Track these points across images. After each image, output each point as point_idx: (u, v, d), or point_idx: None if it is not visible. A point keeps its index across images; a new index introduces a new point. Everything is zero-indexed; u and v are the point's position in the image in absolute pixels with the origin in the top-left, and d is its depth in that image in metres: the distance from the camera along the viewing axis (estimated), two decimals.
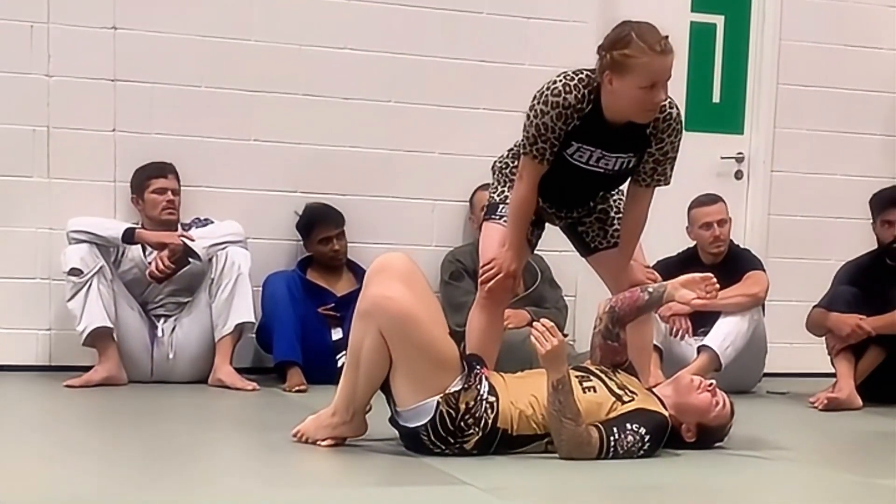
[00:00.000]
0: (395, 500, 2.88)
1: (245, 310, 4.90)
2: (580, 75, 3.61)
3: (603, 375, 3.50)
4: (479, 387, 3.29)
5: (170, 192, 5.03)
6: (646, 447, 3.37)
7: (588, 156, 3.68)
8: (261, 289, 5.10)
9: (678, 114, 3.70)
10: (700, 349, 5.05)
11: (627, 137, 3.66)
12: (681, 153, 3.79)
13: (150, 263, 4.92)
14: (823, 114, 6.14)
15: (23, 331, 5.13)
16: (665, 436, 3.44)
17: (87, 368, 4.81)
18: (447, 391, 3.24)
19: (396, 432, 3.37)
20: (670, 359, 5.11)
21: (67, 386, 4.68)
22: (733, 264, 5.22)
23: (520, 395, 3.35)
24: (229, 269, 4.88)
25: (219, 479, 3.16)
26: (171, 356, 4.95)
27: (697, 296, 3.54)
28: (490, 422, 3.29)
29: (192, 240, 4.90)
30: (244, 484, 3.12)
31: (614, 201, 3.98)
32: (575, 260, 4.32)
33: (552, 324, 3.31)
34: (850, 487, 3.27)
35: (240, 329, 4.92)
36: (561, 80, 3.60)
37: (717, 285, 3.57)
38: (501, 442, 3.32)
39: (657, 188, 3.80)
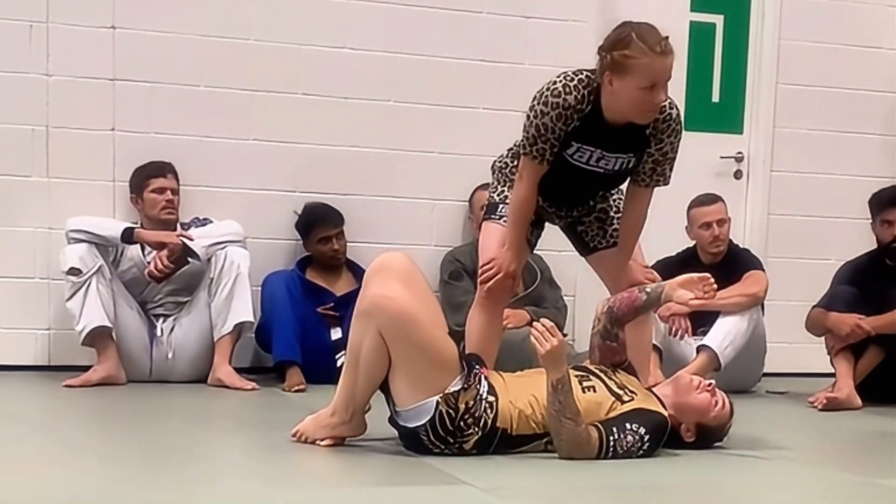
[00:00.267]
0: (395, 500, 2.88)
1: (244, 309, 4.90)
2: (580, 76, 3.61)
3: (602, 375, 3.50)
4: (478, 386, 3.29)
5: (169, 192, 5.03)
6: (645, 447, 3.37)
7: (588, 156, 3.68)
8: (260, 288, 5.10)
9: (678, 114, 3.70)
10: (699, 349, 5.05)
11: (627, 138, 3.66)
12: (680, 153, 3.79)
13: (149, 263, 4.91)
14: (823, 113, 6.14)
15: (22, 330, 5.12)
16: (664, 435, 3.44)
17: (86, 368, 4.81)
18: (446, 391, 3.24)
19: (396, 432, 3.37)
20: (670, 358, 5.11)
21: (66, 385, 4.67)
22: (733, 264, 5.22)
23: (519, 395, 3.35)
24: (228, 268, 4.88)
25: (218, 479, 3.16)
26: (170, 356, 4.95)
27: (695, 296, 3.54)
28: (489, 421, 3.29)
29: (192, 239, 4.90)
30: (243, 484, 3.12)
31: (614, 201, 3.98)
32: (574, 260, 4.32)
33: (552, 323, 3.31)
34: (850, 487, 3.27)
35: (239, 329, 4.92)
36: (561, 81, 3.60)
37: (715, 285, 3.57)
38: (501, 441, 3.32)
39: (656, 188, 3.80)
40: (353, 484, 3.11)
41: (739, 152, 6.11)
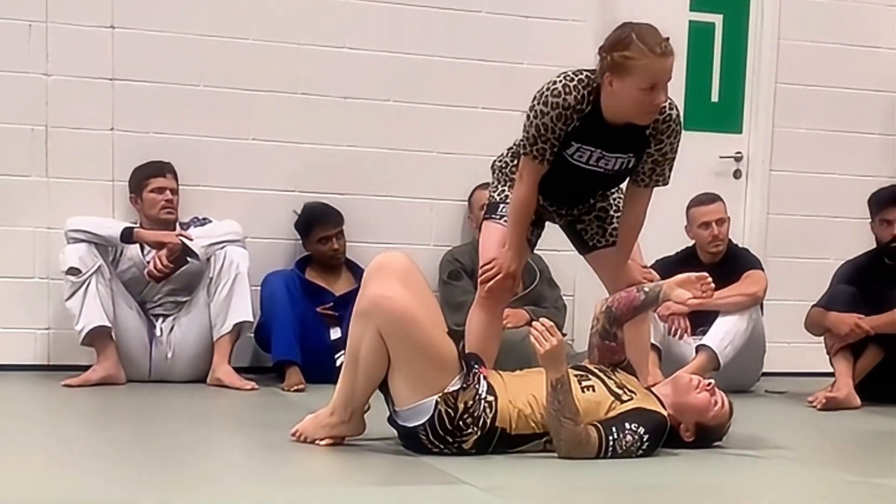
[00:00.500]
0: (394, 500, 2.88)
1: (243, 309, 4.90)
2: (580, 76, 3.61)
3: (602, 375, 3.50)
4: (477, 386, 3.29)
5: (168, 192, 5.03)
6: (644, 446, 3.37)
7: (588, 156, 3.69)
8: (259, 288, 5.10)
9: (678, 115, 3.70)
10: (699, 348, 5.05)
11: (627, 138, 3.67)
12: (679, 152, 3.80)
13: (148, 263, 4.91)
14: (822, 113, 6.14)
15: (21, 330, 5.12)
16: (664, 435, 3.44)
17: (85, 368, 4.81)
18: (446, 390, 3.24)
19: (395, 432, 3.37)
20: (669, 358, 5.11)
21: (66, 385, 4.67)
22: (732, 263, 5.22)
23: (518, 395, 3.35)
24: (228, 268, 4.88)
25: (217, 479, 3.16)
26: (169, 355, 4.95)
27: (693, 295, 3.54)
28: (489, 421, 3.29)
29: (191, 239, 4.89)
30: (243, 483, 3.12)
31: (613, 200, 3.98)
32: (573, 259, 4.33)
33: (551, 323, 3.31)
34: (849, 486, 3.27)
35: (238, 328, 4.92)
36: (561, 81, 3.61)
37: (713, 284, 3.58)
38: (500, 441, 3.32)
39: (656, 188, 3.81)
40: (353, 483, 3.11)
41: (738, 152, 6.11)
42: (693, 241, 5.33)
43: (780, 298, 5.57)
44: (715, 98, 6.09)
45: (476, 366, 3.37)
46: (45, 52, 5.08)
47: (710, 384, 3.55)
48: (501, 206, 3.89)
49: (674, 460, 3.43)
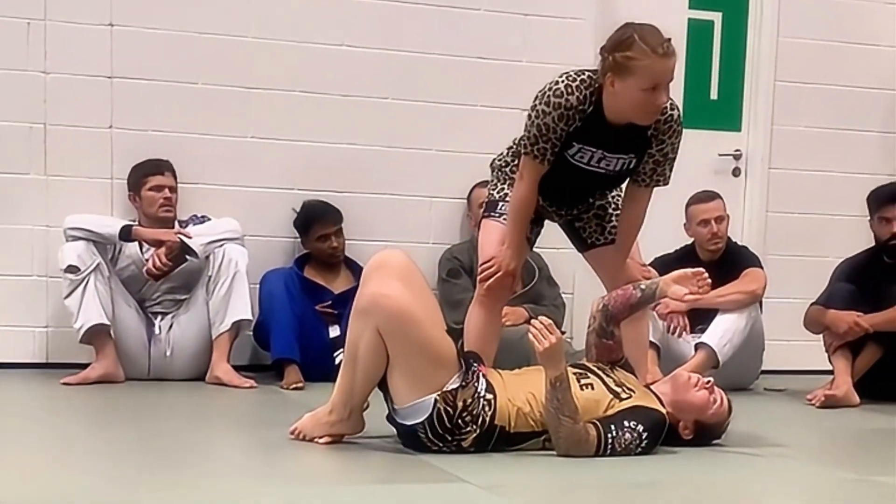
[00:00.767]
0: (393, 498, 2.88)
1: (242, 307, 4.89)
2: (582, 76, 3.61)
3: (601, 373, 3.50)
4: (476, 384, 3.29)
5: (167, 190, 5.03)
6: (643, 444, 3.37)
7: (589, 157, 3.68)
8: (258, 286, 5.09)
9: (679, 115, 3.70)
10: (698, 346, 5.05)
11: (628, 138, 3.66)
12: (679, 150, 3.79)
13: (147, 261, 4.91)
14: (821, 111, 6.14)
15: (20, 328, 5.12)
16: (662, 433, 3.44)
17: (84, 366, 4.80)
18: (445, 389, 3.23)
19: (394, 430, 3.37)
20: (668, 356, 5.11)
21: (64, 383, 4.67)
22: (731, 261, 5.22)
23: (517, 393, 3.35)
24: (226, 266, 4.88)
25: (216, 477, 3.16)
26: (168, 353, 4.94)
27: (690, 291, 3.54)
28: (487, 419, 3.29)
29: (190, 237, 4.89)
30: (241, 481, 3.12)
31: (612, 198, 3.98)
32: (572, 257, 4.33)
33: (550, 321, 3.31)
34: (848, 484, 3.27)
35: (237, 326, 4.92)
36: (563, 81, 3.60)
37: (709, 280, 3.57)
38: (499, 439, 3.32)
39: (656, 188, 3.80)
40: (352, 482, 3.11)
41: (738, 150, 6.11)
42: (692, 239, 5.33)
43: (779, 296, 5.57)
44: (714, 96, 6.09)
45: (475, 364, 3.37)
46: (43, 49, 5.08)
47: (708, 382, 3.55)
48: (501, 204, 3.89)
49: (672, 458, 3.43)
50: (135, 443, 3.51)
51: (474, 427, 3.28)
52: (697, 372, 3.96)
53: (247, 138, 5.37)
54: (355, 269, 5.12)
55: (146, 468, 3.14)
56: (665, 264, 4.77)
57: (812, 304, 5.14)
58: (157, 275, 4.89)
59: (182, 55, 5.24)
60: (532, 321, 3.33)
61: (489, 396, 3.30)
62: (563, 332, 3.64)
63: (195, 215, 5.10)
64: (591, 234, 4.00)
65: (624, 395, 3.43)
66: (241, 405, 4.50)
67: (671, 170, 3.78)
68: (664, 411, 3.47)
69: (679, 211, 5.31)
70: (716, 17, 6.06)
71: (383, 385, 3.31)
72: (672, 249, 5.32)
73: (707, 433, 3.57)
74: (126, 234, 4.86)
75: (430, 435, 3.26)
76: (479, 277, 3.90)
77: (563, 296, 5.53)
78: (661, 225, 4.67)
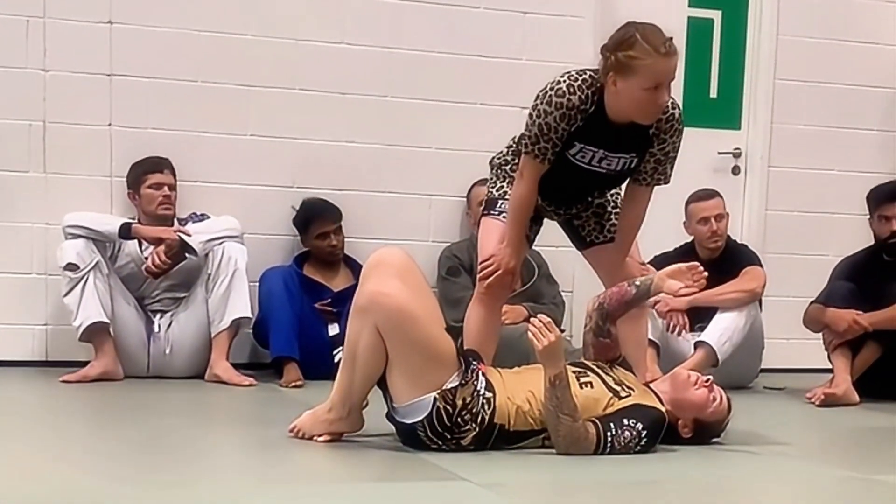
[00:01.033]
0: (393, 496, 2.88)
1: (242, 305, 4.89)
2: (584, 76, 3.61)
3: (600, 371, 3.50)
4: (475, 383, 3.29)
5: (166, 188, 5.03)
6: (643, 443, 3.37)
7: (590, 156, 3.68)
8: (257, 284, 5.09)
9: (680, 114, 3.70)
10: (697, 345, 5.04)
11: (630, 138, 3.66)
12: (679, 149, 3.79)
13: (146, 258, 4.91)
14: (820, 109, 6.14)
15: (19, 326, 5.12)
16: (662, 431, 3.44)
17: (83, 364, 4.80)
18: (444, 387, 3.23)
19: (393, 428, 3.37)
20: (667, 354, 5.10)
21: (64, 381, 4.67)
22: (730, 260, 5.22)
23: (517, 391, 3.34)
24: (226, 264, 4.88)
25: (215, 475, 3.15)
26: (167, 351, 4.94)
27: (685, 285, 3.54)
28: (487, 417, 3.29)
29: (189, 235, 4.89)
30: (241, 479, 3.12)
31: (612, 196, 3.98)
32: (572, 255, 4.33)
33: (549, 319, 3.31)
34: (847, 483, 3.27)
35: (236, 324, 4.92)
36: (565, 81, 3.59)
37: (705, 274, 3.57)
38: (498, 437, 3.32)
39: (656, 186, 3.80)
40: (351, 480, 3.11)
41: (737, 148, 6.11)
42: (692, 237, 5.33)
43: (778, 295, 5.57)
44: (713, 94, 6.09)
45: (474, 362, 3.37)
46: (42, 47, 5.08)
47: (708, 380, 3.55)
48: (500, 202, 3.88)
49: (672, 457, 3.43)
50: (134, 441, 3.51)
51: (473, 425, 3.28)
52: (697, 370, 3.95)
53: (246, 136, 5.36)
54: (355, 268, 5.12)
55: (145, 466, 3.14)
56: (664, 262, 4.73)
57: (811, 302, 5.14)
58: (157, 272, 4.89)
59: (181, 53, 5.24)
60: (531, 319, 3.33)
61: (488, 395, 3.30)
62: (562, 331, 3.65)
63: (194, 213, 5.10)
64: (591, 233, 4.00)
65: (623, 394, 3.43)
66: (240, 403, 4.50)
67: (672, 168, 3.78)
68: (663, 410, 3.47)
69: (679, 209, 5.30)
70: (715, 16, 6.05)
71: (382, 383, 3.31)
72: (672, 247, 5.31)
73: (706, 432, 3.57)
74: (125, 231, 4.85)
75: (429, 433, 3.26)
76: (478, 275, 3.90)
77: (562, 294, 5.53)
78: (661, 223, 4.66)
